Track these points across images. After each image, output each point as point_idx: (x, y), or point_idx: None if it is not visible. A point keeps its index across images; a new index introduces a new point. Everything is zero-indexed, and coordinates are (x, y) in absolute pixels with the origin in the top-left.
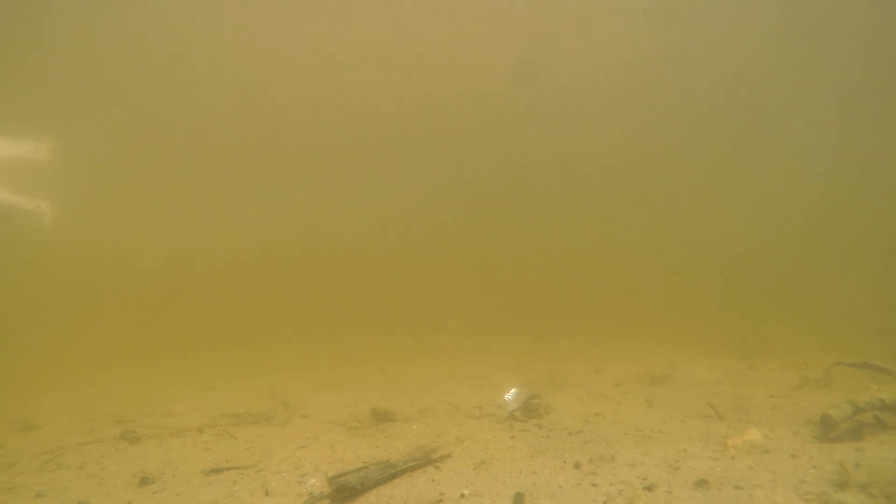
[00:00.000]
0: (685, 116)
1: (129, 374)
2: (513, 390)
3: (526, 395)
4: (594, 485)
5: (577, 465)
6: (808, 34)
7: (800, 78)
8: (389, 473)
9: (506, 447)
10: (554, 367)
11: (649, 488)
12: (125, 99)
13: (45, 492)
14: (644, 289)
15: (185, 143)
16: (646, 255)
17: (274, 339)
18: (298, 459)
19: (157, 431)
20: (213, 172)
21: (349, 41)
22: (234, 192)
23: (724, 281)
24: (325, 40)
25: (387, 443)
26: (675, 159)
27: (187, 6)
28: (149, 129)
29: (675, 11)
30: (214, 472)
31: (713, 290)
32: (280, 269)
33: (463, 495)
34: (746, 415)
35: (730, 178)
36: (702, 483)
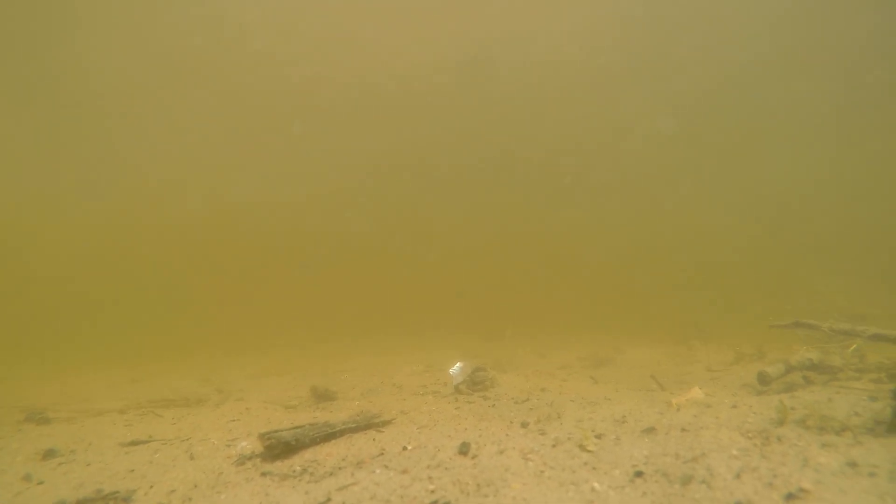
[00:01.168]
0: (648, 108)
1: (46, 368)
2: (458, 364)
3: (471, 369)
4: (542, 433)
5: (524, 425)
6: (805, 28)
7: (780, 72)
8: (327, 433)
9: (451, 416)
10: (500, 353)
11: (598, 437)
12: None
13: None
14: (587, 281)
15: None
16: (588, 249)
17: (209, 325)
18: (229, 430)
19: (70, 415)
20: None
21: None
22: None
23: (666, 272)
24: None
25: (327, 416)
26: (631, 153)
27: None
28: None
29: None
30: (134, 445)
31: (655, 281)
32: (222, 250)
33: (405, 448)
34: (687, 386)
35: (674, 171)
36: (649, 430)
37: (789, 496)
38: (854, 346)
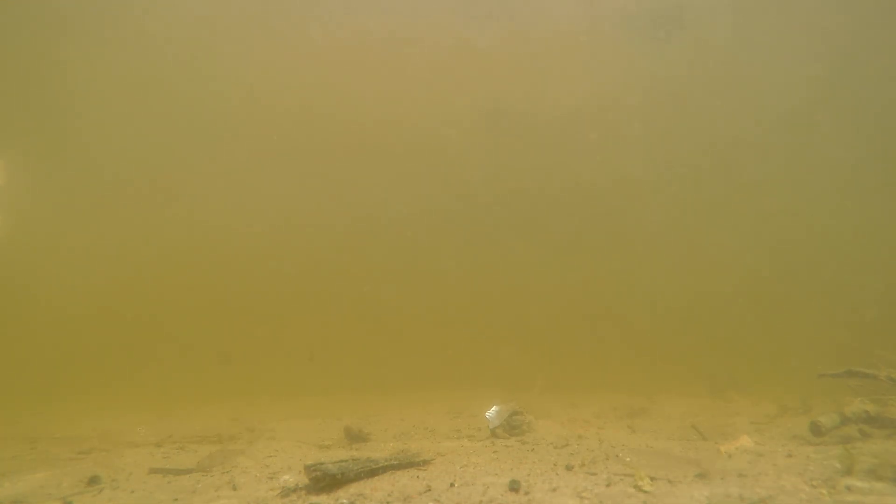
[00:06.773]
0: (663, 155)
1: (80, 404)
2: (494, 407)
3: (508, 412)
4: (593, 474)
5: (568, 468)
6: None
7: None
8: (371, 468)
9: (490, 459)
10: (531, 402)
11: (652, 479)
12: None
13: None
14: (614, 334)
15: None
16: (613, 303)
17: (238, 365)
18: (268, 465)
19: (108, 447)
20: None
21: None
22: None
23: (694, 323)
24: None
25: (363, 455)
26: (648, 202)
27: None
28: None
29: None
30: (174, 474)
31: (683, 332)
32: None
33: (453, 485)
34: (731, 437)
35: (699, 220)
36: (703, 475)
37: None
38: None
